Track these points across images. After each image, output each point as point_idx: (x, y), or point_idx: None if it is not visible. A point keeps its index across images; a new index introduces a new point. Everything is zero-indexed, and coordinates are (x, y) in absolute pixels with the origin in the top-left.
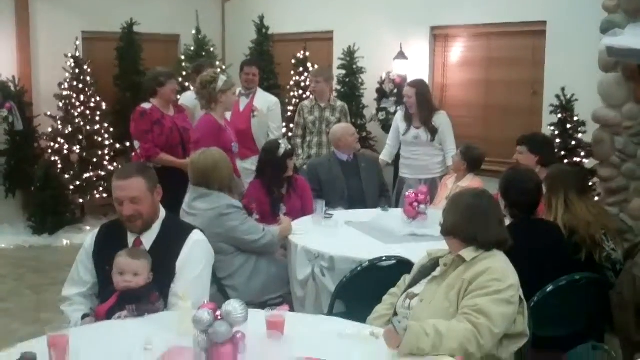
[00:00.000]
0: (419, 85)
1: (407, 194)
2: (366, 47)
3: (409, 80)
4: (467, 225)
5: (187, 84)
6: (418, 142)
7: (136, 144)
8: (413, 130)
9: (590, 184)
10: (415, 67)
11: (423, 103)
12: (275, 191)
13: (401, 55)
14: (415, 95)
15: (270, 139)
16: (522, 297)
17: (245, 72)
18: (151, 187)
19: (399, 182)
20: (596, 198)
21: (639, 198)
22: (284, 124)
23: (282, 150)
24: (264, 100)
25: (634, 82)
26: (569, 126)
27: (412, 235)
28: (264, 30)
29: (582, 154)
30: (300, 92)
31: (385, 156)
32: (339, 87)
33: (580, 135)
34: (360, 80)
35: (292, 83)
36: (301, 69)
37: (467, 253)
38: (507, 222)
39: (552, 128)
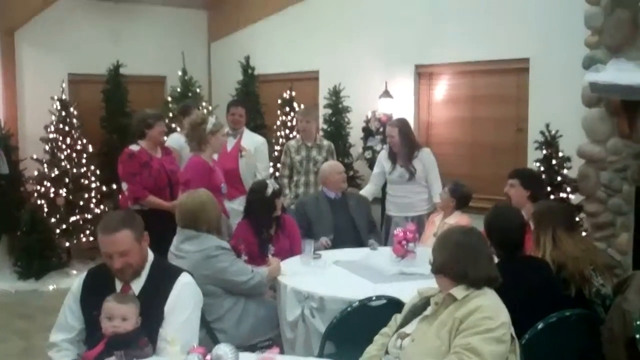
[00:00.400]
0: (401, 124)
1: (395, 232)
2: (352, 86)
3: (394, 118)
4: (456, 263)
5: (173, 125)
6: (403, 180)
7: (124, 185)
8: (398, 168)
9: (577, 219)
10: (400, 105)
11: (406, 141)
12: (263, 231)
13: (386, 93)
14: (398, 134)
15: (257, 179)
16: (514, 335)
17: (231, 113)
18: (138, 237)
19: (387, 220)
20: (583, 233)
21: (626, 233)
22: (271, 164)
23: (270, 190)
24: (251, 141)
25: (617, 116)
26: (554, 162)
27: (401, 274)
28: (249, 71)
29: (568, 189)
30: (287, 131)
31: (366, 193)
32: (325, 127)
33: (565, 170)
34: (346, 119)
35: (278, 123)
36: (287, 108)
37: (458, 291)
38: (496, 259)
39: (538, 164)
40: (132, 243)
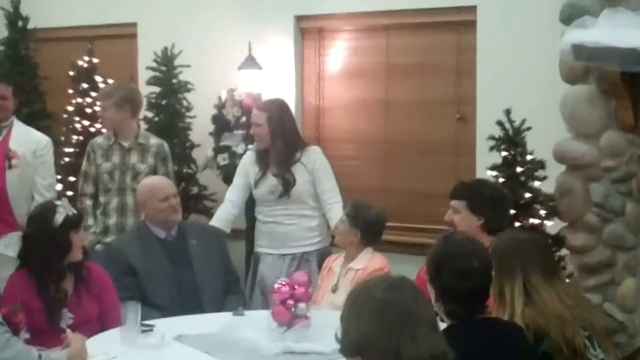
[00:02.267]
0: (273, 107)
1: (275, 285)
2: (193, 49)
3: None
4: (382, 339)
5: None
6: (274, 196)
7: None
8: (269, 179)
9: (558, 258)
10: (273, 80)
11: (282, 135)
12: (52, 288)
13: (250, 62)
14: (267, 123)
15: (39, 202)
16: None
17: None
18: None
19: (254, 262)
20: (566, 280)
21: (631, 278)
22: (59, 177)
23: (60, 217)
24: (26, 140)
25: (615, 98)
26: (519, 169)
27: (288, 353)
28: (19, 23)
29: (542, 212)
30: (87, 122)
31: (218, 222)
32: (150, 115)
33: (537, 183)
34: (185, 103)
35: (70, 109)
36: (85, 85)
37: None
38: (442, 325)
39: (494, 173)
40: None
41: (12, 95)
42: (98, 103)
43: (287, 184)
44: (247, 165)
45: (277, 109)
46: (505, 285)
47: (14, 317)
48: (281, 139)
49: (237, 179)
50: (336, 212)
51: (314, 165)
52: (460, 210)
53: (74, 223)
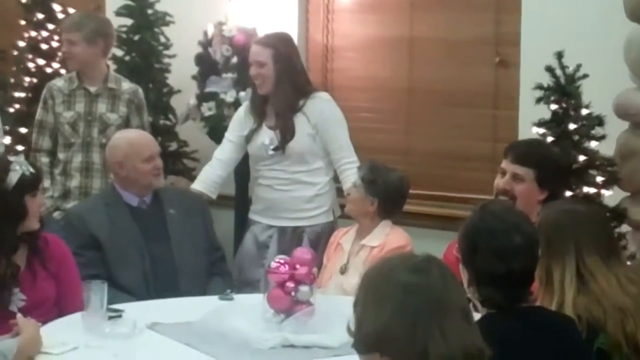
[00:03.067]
0: (279, 42)
1: (272, 264)
2: None
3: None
4: (406, 332)
5: None
6: (264, 152)
7: None
8: (264, 132)
9: (617, 235)
10: (271, 12)
11: (288, 77)
12: (2, 263)
13: None
14: (272, 61)
15: None
16: None
17: None
18: None
19: (246, 231)
20: (628, 262)
21: None
22: (7, 128)
23: (14, 177)
24: None
25: None
26: (572, 126)
27: (286, 347)
28: None
29: (599, 179)
30: (42, 61)
31: (202, 184)
32: (120, 54)
33: (593, 143)
34: (162, 40)
35: (22, 44)
36: (40, 15)
37: None
38: (476, 315)
39: (541, 130)
40: None
41: None
42: (62, 36)
43: (284, 137)
44: (241, 117)
45: (284, 45)
46: (554, 268)
47: None
48: (289, 81)
49: (229, 134)
50: (351, 174)
51: (320, 117)
52: (526, 179)
53: (30, 184)
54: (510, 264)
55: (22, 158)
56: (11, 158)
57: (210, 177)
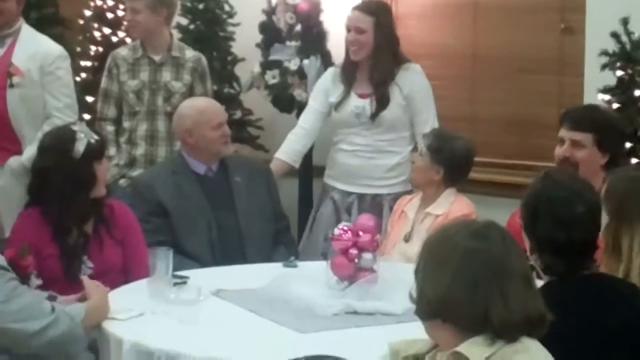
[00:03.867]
0: (381, 11)
1: (336, 231)
2: None
3: (323, 6)
4: (467, 297)
5: None
6: (364, 122)
7: None
8: (354, 99)
9: None
10: None
11: (387, 45)
12: (70, 231)
13: None
14: (373, 29)
15: (52, 126)
16: None
17: None
18: None
19: (322, 196)
20: None
21: None
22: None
23: (81, 145)
24: (34, 53)
25: None
26: (637, 93)
27: (350, 313)
28: None
29: None
30: (108, 30)
31: (285, 154)
32: (185, 23)
33: None
34: (226, 8)
35: (88, 13)
36: None
37: (472, 349)
38: (539, 282)
39: (607, 97)
40: None
41: None
42: (126, 4)
43: (380, 105)
44: (328, 83)
45: (386, 13)
46: (622, 235)
47: (21, 261)
48: (388, 50)
49: (313, 102)
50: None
51: (412, 88)
52: (586, 144)
53: (97, 151)
54: (571, 233)
55: (84, 126)
56: (74, 127)
57: (294, 146)
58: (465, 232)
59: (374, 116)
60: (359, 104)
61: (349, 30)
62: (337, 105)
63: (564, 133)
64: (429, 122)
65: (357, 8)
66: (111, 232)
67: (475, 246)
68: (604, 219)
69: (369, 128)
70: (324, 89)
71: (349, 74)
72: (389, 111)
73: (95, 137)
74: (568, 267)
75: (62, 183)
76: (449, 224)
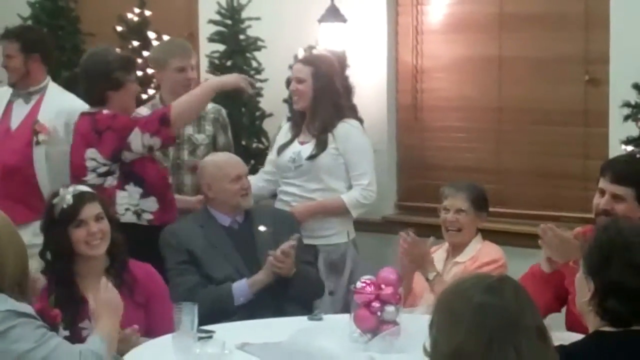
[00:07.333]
0: (320, 62)
1: (358, 284)
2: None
3: (349, 61)
4: (481, 352)
5: None
6: (298, 166)
7: None
8: (295, 146)
9: None
10: (361, 35)
11: (326, 96)
12: (72, 293)
13: (333, 13)
14: (312, 78)
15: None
16: None
17: (7, 55)
18: None
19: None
20: None
21: None
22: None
23: (58, 207)
24: (59, 110)
25: None
26: None
27: None
28: None
29: None
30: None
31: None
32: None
33: None
34: (255, 64)
35: None
36: (136, 42)
37: None
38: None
39: (629, 148)
40: None
41: (21, 53)
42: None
43: (317, 149)
44: (283, 133)
45: (326, 64)
46: None
47: (48, 312)
48: (328, 100)
49: (270, 153)
50: (361, 183)
51: (346, 142)
52: (627, 198)
53: (69, 216)
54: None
55: (70, 188)
56: (61, 191)
57: (256, 182)
58: (479, 287)
59: (309, 158)
60: (297, 149)
61: (291, 80)
62: (280, 150)
63: (604, 185)
64: (366, 175)
65: (299, 60)
66: (132, 295)
67: (488, 301)
68: None
69: (301, 175)
70: (282, 134)
71: (295, 123)
72: (323, 157)
73: (69, 201)
74: (630, 316)
75: (44, 249)
76: (462, 278)
